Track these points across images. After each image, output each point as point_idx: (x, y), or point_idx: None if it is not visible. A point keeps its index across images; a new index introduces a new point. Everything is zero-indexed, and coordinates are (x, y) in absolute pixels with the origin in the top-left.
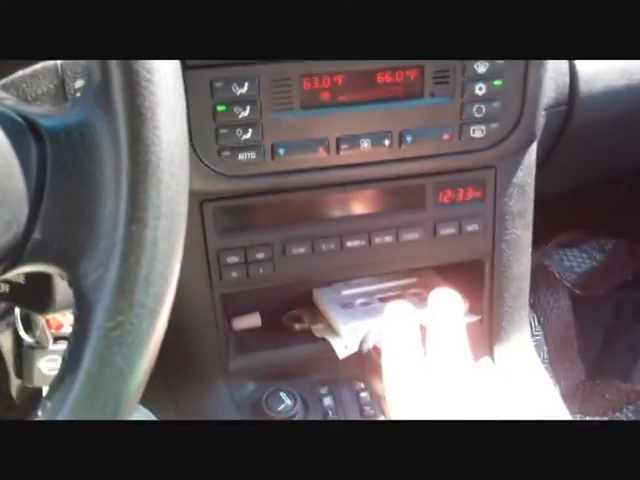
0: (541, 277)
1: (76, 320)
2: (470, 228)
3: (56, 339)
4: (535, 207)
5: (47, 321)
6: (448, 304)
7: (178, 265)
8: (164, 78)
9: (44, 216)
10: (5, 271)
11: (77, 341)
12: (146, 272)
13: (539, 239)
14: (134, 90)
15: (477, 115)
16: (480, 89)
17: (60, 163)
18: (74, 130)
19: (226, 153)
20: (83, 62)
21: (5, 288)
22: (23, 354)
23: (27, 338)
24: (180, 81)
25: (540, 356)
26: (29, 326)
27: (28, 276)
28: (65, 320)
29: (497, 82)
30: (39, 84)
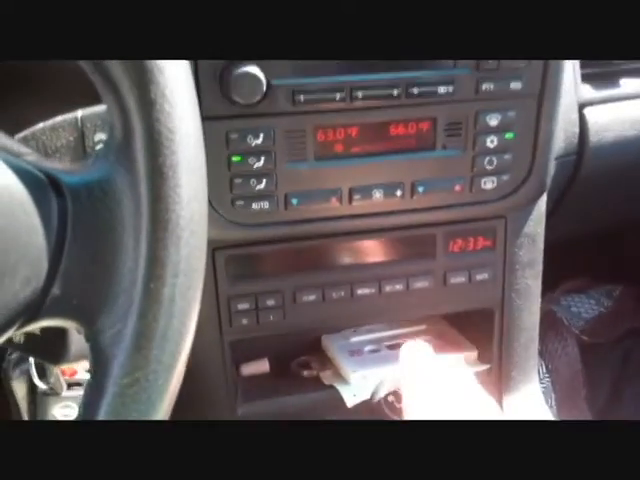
0: (549, 323)
1: (92, 374)
2: (480, 277)
3: (70, 385)
4: (544, 251)
5: (61, 368)
6: (419, 357)
7: (195, 321)
8: (185, 137)
9: (63, 272)
10: (23, 325)
11: (93, 396)
12: (163, 329)
13: (547, 285)
14: (156, 149)
15: (488, 167)
16: (492, 141)
17: (81, 219)
18: (95, 187)
19: (240, 202)
20: (103, 116)
21: (20, 338)
22: (37, 401)
23: (41, 385)
24: (201, 140)
25: (548, 402)
26: (43, 373)
27: (43, 327)
28: (79, 367)
29: (508, 135)
30: (59, 137)
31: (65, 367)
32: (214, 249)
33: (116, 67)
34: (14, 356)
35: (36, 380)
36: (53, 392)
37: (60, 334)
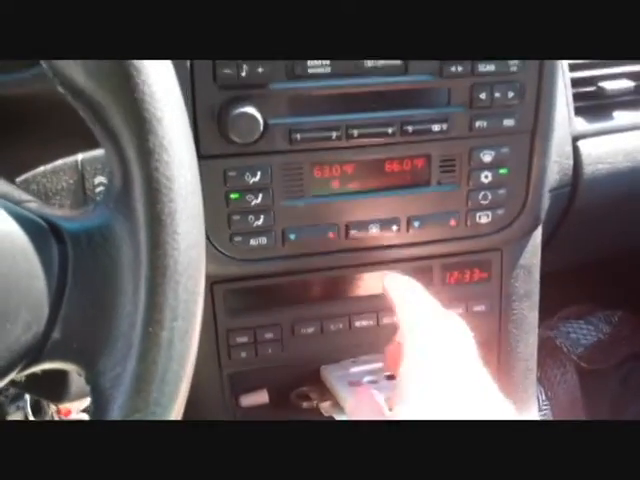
0: (548, 350)
1: (92, 415)
2: (477, 308)
3: None
4: (541, 280)
5: (57, 406)
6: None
7: (193, 363)
8: (183, 185)
9: (64, 316)
10: (25, 368)
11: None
12: (162, 372)
13: (545, 312)
14: (154, 197)
15: (483, 202)
16: (486, 177)
17: (81, 265)
18: (95, 233)
19: (238, 238)
20: (103, 159)
21: (21, 377)
22: None
23: None
24: (199, 187)
25: None
26: (38, 410)
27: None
28: (73, 406)
29: (502, 170)
30: (59, 179)
31: (61, 406)
32: (212, 283)
33: (115, 117)
34: (11, 391)
35: (31, 417)
36: None
37: (61, 374)
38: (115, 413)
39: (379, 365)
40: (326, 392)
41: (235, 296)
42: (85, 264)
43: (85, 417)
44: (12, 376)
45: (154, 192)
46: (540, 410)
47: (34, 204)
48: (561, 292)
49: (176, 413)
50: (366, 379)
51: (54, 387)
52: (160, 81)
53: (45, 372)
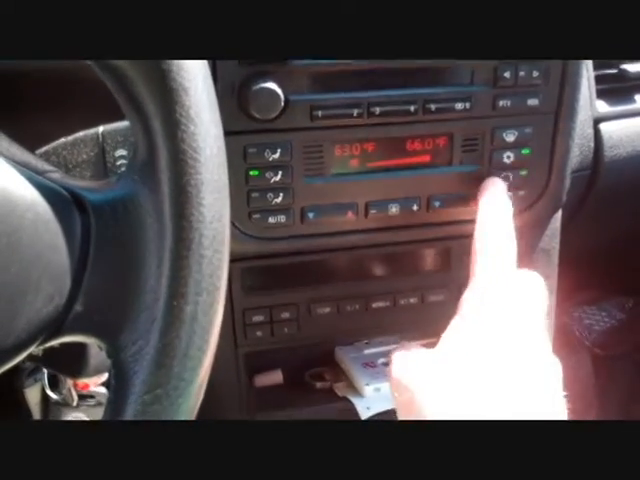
0: (561, 335)
1: (114, 389)
2: None
3: (81, 397)
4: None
5: (74, 381)
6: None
7: (216, 338)
8: (210, 157)
9: (86, 289)
10: (45, 341)
11: (113, 412)
12: (185, 346)
13: (560, 297)
14: (180, 169)
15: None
16: (508, 157)
17: (104, 237)
18: (118, 205)
19: (257, 216)
20: (124, 132)
21: (39, 351)
22: (49, 410)
23: (53, 395)
24: (224, 160)
25: None
26: (56, 384)
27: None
28: (91, 381)
29: (525, 151)
30: (80, 152)
31: (79, 380)
32: (230, 261)
33: (141, 87)
34: (28, 364)
35: (48, 391)
36: (65, 403)
37: (79, 348)
38: (137, 388)
39: (393, 347)
40: (340, 373)
41: (252, 274)
42: (108, 236)
43: (103, 391)
44: (33, 348)
45: (180, 163)
46: None
47: (56, 174)
48: (575, 278)
49: (199, 389)
50: (380, 361)
51: (72, 362)
52: None
53: (63, 347)
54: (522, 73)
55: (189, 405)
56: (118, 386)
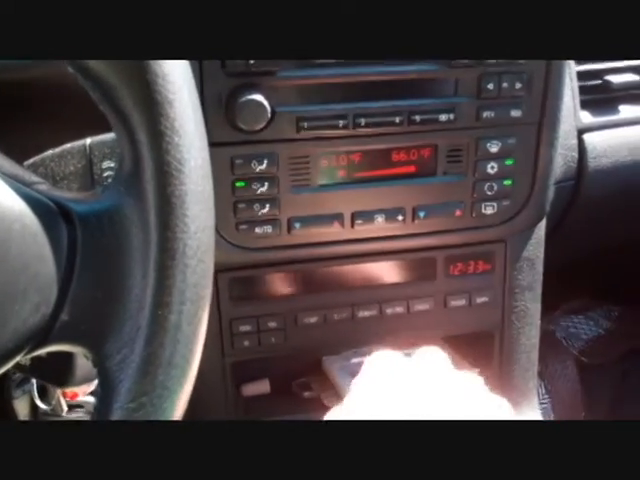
0: (548, 344)
1: (99, 398)
2: (480, 300)
3: (70, 407)
4: (542, 274)
5: (62, 390)
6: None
7: (201, 346)
8: (194, 168)
9: (72, 298)
10: (32, 351)
11: (99, 419)
12: (169, 355)
13: (546, 306)
14: (165, 180)
15: (489, 193)
16: (492, 168)
17: (90, 247)
18: (104, 215)
19: (243, 227)
20: (111, 143)
21: (26, 361)
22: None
23: (42, 406)
24: (209, 171)
25: None
26: (45, 394)
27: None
28: (80, 390)
29: (509, 161)
30: (67, 164)
31: (67, 390)
32: (217, 271)
33: (126, 99)
34: (17, 375)
35: (37, 401)
36: (54, 413)
37: (66, 358)
38: (122, 396)
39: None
40: (327, 383)
41: (239, 284)
42: (94, 246)
43: (92, 400)
44: (19, 357)
45: (165, 174)
46: (540, 404)
47: (44, 186)
48: (562, 286)
49: (183, 397)
50: None
51: (59, 371)
52: (172, 63)
53: (50, 356)
54: (505, 84)
55: (173, 413)
56: (104, 394)
